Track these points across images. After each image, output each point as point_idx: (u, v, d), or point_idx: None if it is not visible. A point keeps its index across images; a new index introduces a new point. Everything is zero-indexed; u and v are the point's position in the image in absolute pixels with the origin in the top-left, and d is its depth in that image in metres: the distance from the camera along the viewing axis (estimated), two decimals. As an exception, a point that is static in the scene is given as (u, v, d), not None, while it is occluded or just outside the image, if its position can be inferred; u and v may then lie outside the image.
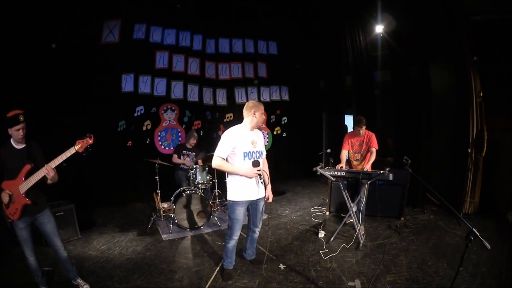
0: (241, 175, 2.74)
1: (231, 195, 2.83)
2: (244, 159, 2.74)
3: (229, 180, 2.85)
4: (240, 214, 2.85)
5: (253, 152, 2.78)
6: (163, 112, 5.71)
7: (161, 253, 3.56)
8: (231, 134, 2.73)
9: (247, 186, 2.78)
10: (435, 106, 4.83)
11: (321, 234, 3.94)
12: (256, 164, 2.73)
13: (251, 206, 2.94)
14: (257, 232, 3.11)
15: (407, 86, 5.16)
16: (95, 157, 4.57)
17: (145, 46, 5.38)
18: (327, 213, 4.82)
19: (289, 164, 7.29)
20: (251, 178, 2.75)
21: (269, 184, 2.98)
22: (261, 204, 2.94)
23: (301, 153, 7.30)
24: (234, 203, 2.82)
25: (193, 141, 4.81)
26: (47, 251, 3.14)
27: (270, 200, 2.98)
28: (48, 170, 2.38)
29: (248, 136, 2.79)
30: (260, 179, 2.77)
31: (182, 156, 4.79)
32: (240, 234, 3.82)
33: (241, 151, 2.72)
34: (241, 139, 2.73)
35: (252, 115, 2.75)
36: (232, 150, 2.71)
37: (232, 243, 2.97)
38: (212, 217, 4.36)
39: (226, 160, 2.77)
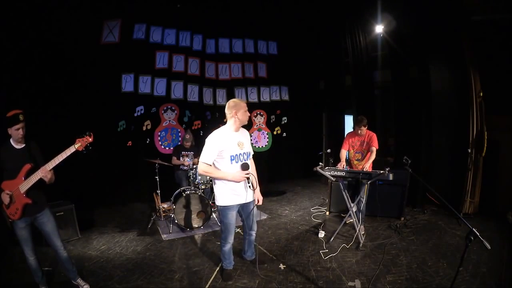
0: (229, 180, 2.63)
1: (221, 201, 2.73)
2: (232, 163, 2.62)
3: (217, 185, 2.72)
4: (232, 218, 2.80)
5: (240, 154, 2.66)
6: (163, 112, 5.71)
7: (161, 253, 3.56)
8: (216, 137, 2.59)
9: (235, 190, 2.69)
10: (435, 106, 4.82)
11: (321, 234, 3.94)
12: (245, 167, 2.62)
13: (243, 210, 2.89)
14: (253, 234, 3.09)
15: (407, 86, 5.15)
16: (95, 157, 4.62)
17: (145, 46, 5.37)
18: (327, 213, 4.81)
19: (289, 164, 7.28)
20: (239, 182, 2.65)
21: (257, 187, 2.83)
22: (252, 206, 2.84)
23: (301, 153, 7.29)
24: (225, 208, 2.74)
25: (187, 143, 4.82)
26: (47, 251, 3.14)
27: (260, 202, 2.88)
28: (44, 173, 2.37)
29: (234, 138, 2.67)
30: (249, 183, 2.66)
31: (181, 157, 4.78)
32: (239, 234, 3.83)
33: (228, 155, 2.60)
34: (227, 142, 2.60)
35: (234, 116, 2.61)
36: (218, 154, 2.58)
37: (228, 246, 2.93)
38: (212, 217, 4.36)
39: (213, 165, 2.64)
